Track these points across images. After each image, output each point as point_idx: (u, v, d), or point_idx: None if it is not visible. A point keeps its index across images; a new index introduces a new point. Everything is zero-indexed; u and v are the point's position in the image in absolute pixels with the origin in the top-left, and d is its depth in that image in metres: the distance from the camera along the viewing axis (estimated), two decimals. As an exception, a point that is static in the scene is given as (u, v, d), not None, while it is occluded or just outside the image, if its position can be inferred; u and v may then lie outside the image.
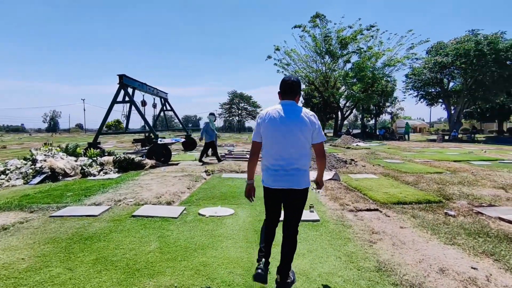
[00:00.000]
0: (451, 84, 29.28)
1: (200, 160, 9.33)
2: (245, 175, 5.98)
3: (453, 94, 28.48)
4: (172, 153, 13.01)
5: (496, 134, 33.26)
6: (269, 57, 30.46)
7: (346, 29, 27.64)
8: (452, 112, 28.85)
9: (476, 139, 25.92)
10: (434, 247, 3.08)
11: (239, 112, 70.10)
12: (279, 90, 2.29)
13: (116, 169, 7.76)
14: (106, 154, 8.85)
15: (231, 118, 70.61)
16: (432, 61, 26.70)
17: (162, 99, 14.15)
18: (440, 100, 31.09)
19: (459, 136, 27.02)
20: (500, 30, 24.92)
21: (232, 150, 12.52)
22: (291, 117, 2.15)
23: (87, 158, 8.07)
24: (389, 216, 4.17)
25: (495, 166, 8.70)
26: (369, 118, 55.21)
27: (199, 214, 4.14)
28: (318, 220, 3.92)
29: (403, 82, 30.82)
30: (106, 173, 7.39)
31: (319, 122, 2.23)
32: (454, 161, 10.01)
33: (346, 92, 31.07)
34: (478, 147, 16.45)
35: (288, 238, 2.28)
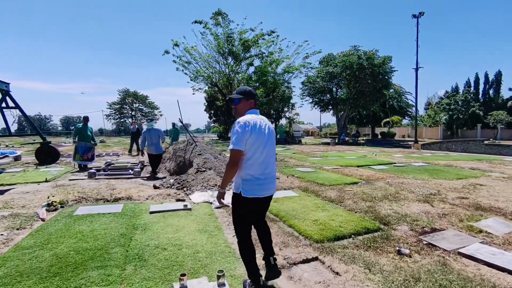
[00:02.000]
0: (339, 92, 32.73)
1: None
2: (118, 206, 4.69)
3: (340, 102, 31.84)
4: (14, 169, 9.07)
5: (371, 137, 39.19)
6: (167, 52, 27.37)
7: (248, 31, 27.27)
8: (339, 118, 32.29)
9: (358, 141, 29.48)
10: None
11: (133, 113, 62.45)
12: (243, 98, 2.30)
13: None
14: None
15: (122, 120, 62.19)
16: (324, 71, 29.11)
17: (2, 91, 9.86)
18: (330, 107, 34.45)
19: (346, 139, 30.26)
20: (374, 48, 29.15)
21: (111, 162, 9.52)
22: (269, 127, 2.32)
23: None
24: (337, 273, 2.72)
25: (394, 170, 8.83)
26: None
27: None
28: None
29: (300, 89, 32.79)
30: None
31: None
32: (358, 166, 9.99)
33: (249, 96, 30.83)
34: (366, 150, 18.06)
35: (265, 227, 2.51)
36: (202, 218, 4.19)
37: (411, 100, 41.66)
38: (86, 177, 7.26)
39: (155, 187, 6.14)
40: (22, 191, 5.78)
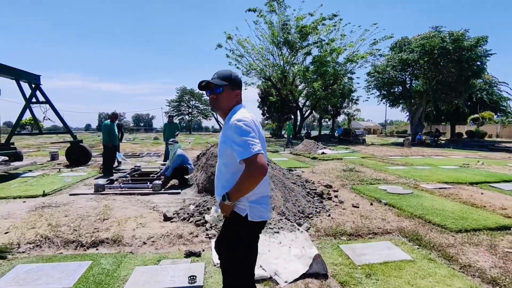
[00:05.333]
0: (413, 83, 27.63)
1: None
2: (79, 269, 2.75)
3: (416, 94, 26.80)
4: (34, 173, 7.87)
5: (452, 137, 32.80)
6: (220, 45, 25.98)
7: (306, 16, 24.31)
8: (413, 113, 27.22)
9: (439, 142, 24.34)
10: None
11: (190, 110, 63.67)
12: (228, 86, 1.69)
13: None
14: None
15: (180, 117, 63.90)
16: (396, 59, 24.58)
17: (31, 85, 8.92)
18: (401, 101, 29.45)
19: (423, 138, 25.30)
20: (463, 28, 23.58)
21: (139, 168, 7.80)
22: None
23: None
24: None
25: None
26: (327, 119, 53.67)
27: None
28: None
29: (365, 81, 28.53)
30: None
31: None
32: (472, 183, 6.70)
33: (305, 90, 27.90)
34: (460, 155, 13.88)
35: None
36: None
37: (506, 92, 33.83)
38: (92, 191, 5.53)
39: (166, 218, 4.00)
40: (-11, 215, 4.15)
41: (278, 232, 3.43)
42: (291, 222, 3.77)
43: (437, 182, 6.74)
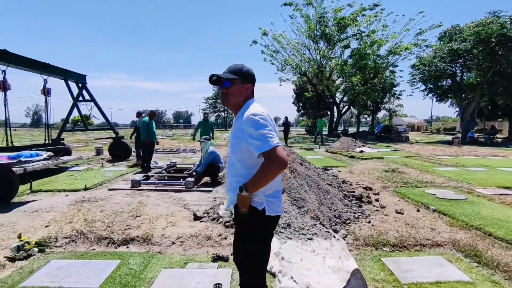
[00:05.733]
0: (465, 76, 25.14)
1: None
2: (108, 268, 2.73)
3: (467, 88, 24.37)
4: (80, 167, 8.43)
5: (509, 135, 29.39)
6: (255, 42, 25.84)
7: (345, 8, 23.23)
8: (464, 109, 24.79)
9: (495, 140, 21.93)
10: None
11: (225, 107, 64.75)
12: (238, 79, 1.65)
13: None
14: None
15: (216, 114, 65.24)
16: (445, 49, 22.49)
17: (78, 84, 9.50)
18: (450, 95, 26.98)
19: (475, 136, 23.00)
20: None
21: (174, 164, 7.95)
22: None
23: None
24: None
25: None
26: (366, 116, 51.21)
27: None
28: None
29: (409, 74, 26.57)
30: None
31: None
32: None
33: (343, 85, 26.78)
34: (522, 155, 12.29)
35: None
36: None
37: None
38: (129, 187, 5.69)
39: (195, 217, 3.93)
40: (35, 208, 4.40)
41: (311, 239, 3.17)
42: (326, 228, 3.48)
43: (496, 187, 5.94)
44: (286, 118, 18.86)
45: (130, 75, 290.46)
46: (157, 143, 8.68)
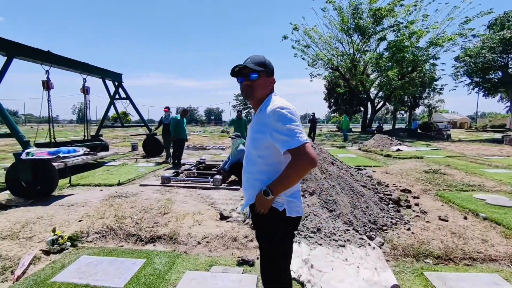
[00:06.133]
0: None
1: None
2: (134, 266, 2.75)
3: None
4: (116, 162, 8.81)
5: None
6: (285, 37, 25.36)
7: (381, -2, 21.99)
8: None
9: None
10: None
11: (255, 104, 64.90)
12: (264, 72, 1.54)
13: None
14: None
15: (246, 110, 65.66)
16: (495, 39, 20.46)
17: (115, 83, 9.91)
18: (500, 89, 24.57)
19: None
20: None
21: (204, 161, 8.00)
22: None
23: None
24: None
25: None
26: (403, 112, 48.51)
27: None
28: None
29: (452, 66, 24.59)
30: None
31: None
32: None
33: (378, 79, 25.49)
34: None
35: None
36: None
37: None
38: (159, 183, 5.79)
39: (222, 216, 3.86)
40: (71, 202, 4.60)
41: (344, 246, 2.95)
42: (360, 234, 3.22)
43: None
44: (313, 114, 18.42)
45: (166, 74, 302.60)
46: (187, 140, 8.79)
